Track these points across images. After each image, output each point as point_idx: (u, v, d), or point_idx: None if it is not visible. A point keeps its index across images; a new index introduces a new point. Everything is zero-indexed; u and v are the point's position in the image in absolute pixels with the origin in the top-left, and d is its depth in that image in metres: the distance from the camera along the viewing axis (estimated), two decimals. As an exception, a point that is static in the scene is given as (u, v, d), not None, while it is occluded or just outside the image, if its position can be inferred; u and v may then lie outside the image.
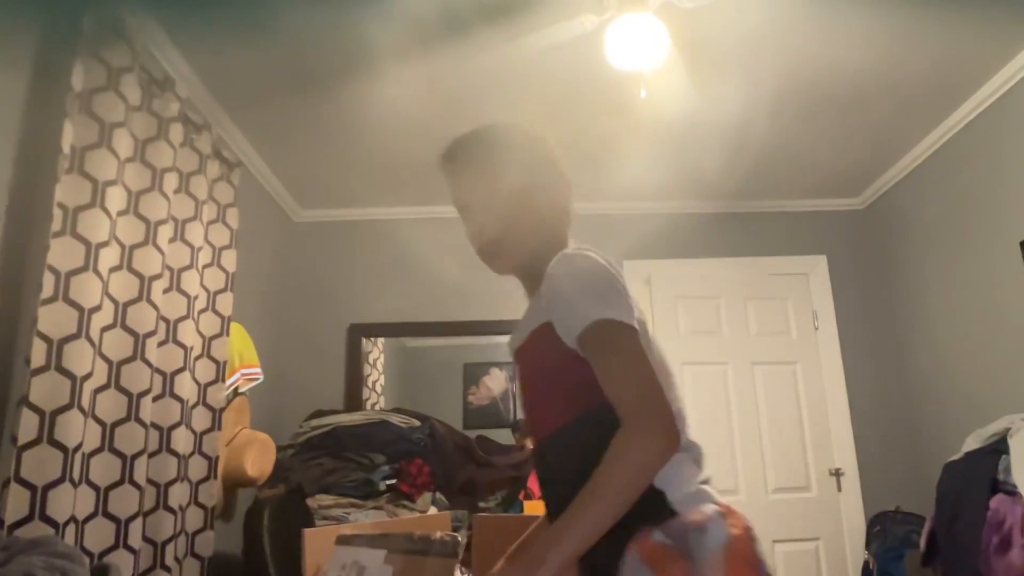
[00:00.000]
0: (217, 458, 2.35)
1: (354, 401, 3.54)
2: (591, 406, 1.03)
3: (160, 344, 2.13)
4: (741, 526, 0.99)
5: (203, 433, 2.34)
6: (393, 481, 2.67)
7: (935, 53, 2.59)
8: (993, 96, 2.82)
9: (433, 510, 2.61)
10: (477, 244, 1.22)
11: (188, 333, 2.24)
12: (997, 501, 2.21)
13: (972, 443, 2.50)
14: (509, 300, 1.39)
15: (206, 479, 2.31)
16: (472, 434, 3.18)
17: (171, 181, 2.18)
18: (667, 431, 0.94)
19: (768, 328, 3.74)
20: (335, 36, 2.37)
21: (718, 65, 2.62)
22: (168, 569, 2.06)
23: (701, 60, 2.55)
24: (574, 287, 1.04)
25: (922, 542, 2.55)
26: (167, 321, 2.18)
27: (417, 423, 2.90)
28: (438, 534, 1.10)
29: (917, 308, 3.49)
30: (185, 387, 2.20)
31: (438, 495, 2.70)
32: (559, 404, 1.10)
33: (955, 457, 2.55)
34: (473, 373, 3.66)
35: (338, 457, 2.75)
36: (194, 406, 2.32)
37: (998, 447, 2.33)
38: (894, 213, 3.66)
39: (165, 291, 2.17)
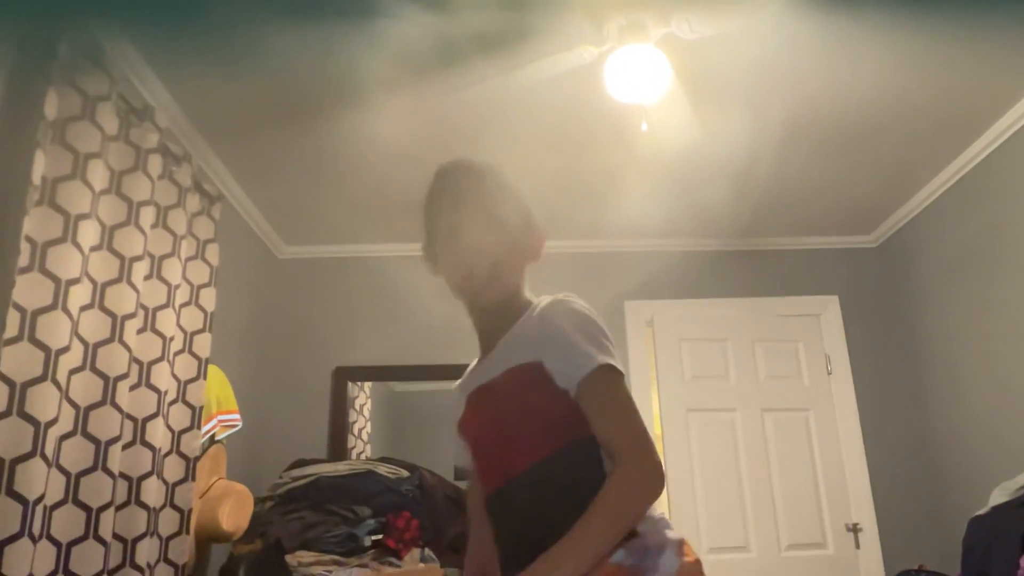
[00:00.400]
0: (190, 511, 2.29)
1: (339, 449, 3.45)
2: (574, 440, 1.11)
3: (132, 388, 2.09)
4: (694, 556, 1.08)
5: (175, 484, 2.28)
6: (379, 536, 2.59)
7: (950, 84, 2.56)
8: (1013, 128, 2.78)
9: (422, 567, 2.49)
10: (474, 267, 1.20)
11: (162, 376, 2.20)
12: (1029, 560, 2.13)
13: (999, 496, 2.43)
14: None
15: (177, 534, 2.25)
16: (464, 485, 3.06)
17: (148, 215, 2.17)
18: (660, 471, 1.06)
19: (778, 372, 3.66)
20: (323, 65, 2.36)
21: (722, 97, 2.60)
22: (132, 634, 1.99)
23: (704, 92, 2.53)
24: (578, 332, 1.11)
25: (949, 604, 2.45)
26: (140, 363, 2.15)
27: (405, 473, 2.84)
28: (418, 596, 1.10)
29: (937, 350, 3.42)
30: (158, 434, 2.15)
31: (427, 551, 2.60)
32: (538, 438, 1.14)
33: (981, 511, 2.47)
34: (466, 419, 3.54)
35: (320, 510, 2.67)
36: (167, 455, 2.26)
37: (1028, 501, 2.27)
38: (910, 250, 3.61)
39: (139, 331, 2.14)
